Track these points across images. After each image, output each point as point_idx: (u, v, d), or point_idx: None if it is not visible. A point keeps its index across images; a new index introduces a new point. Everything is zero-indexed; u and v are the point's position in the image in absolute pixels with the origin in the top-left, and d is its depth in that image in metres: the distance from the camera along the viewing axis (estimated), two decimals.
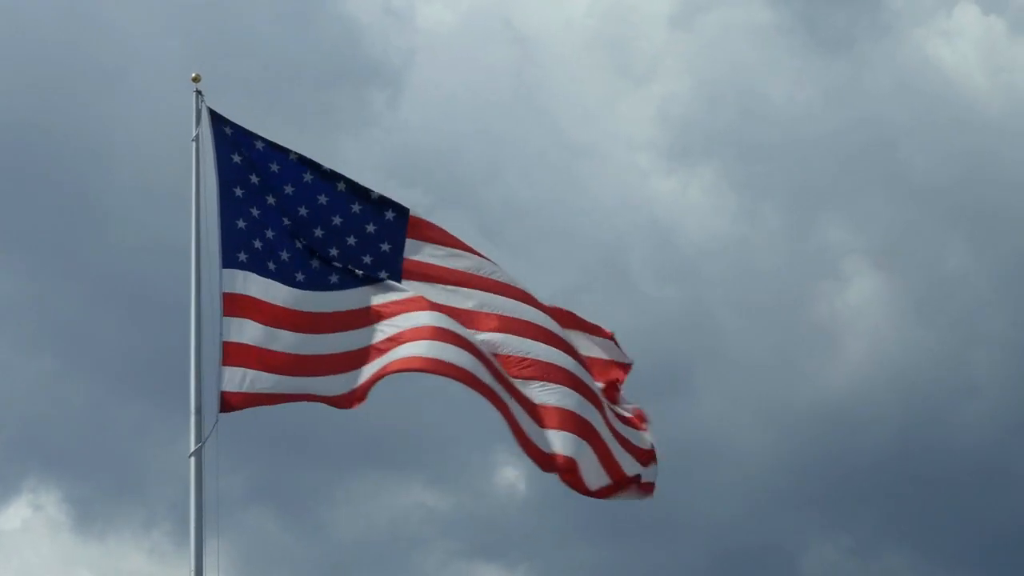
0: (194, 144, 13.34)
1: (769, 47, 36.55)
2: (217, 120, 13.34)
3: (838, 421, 32.36)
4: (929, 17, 36.85)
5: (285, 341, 13.15)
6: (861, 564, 31.61)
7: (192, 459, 12.70)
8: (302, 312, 13.28)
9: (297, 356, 13.14)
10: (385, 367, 13.07)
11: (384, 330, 13.28)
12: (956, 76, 35.92)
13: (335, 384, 13.12)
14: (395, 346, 13.16)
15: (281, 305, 13.21)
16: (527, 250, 31.35)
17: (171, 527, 28.49)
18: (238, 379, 12.91)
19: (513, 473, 29.43)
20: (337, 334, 13.31)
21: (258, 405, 13.01)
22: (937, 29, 36.62)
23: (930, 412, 32.69)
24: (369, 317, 13.35)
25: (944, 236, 34.52)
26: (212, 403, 12.84)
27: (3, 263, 30.58)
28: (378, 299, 13.42)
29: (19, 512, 31.57)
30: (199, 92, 13.43)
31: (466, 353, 13.05)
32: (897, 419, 32.43)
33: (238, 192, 13.25)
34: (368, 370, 13.11)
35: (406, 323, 13.26)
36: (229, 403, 12.85)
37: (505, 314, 13.59)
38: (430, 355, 12.97)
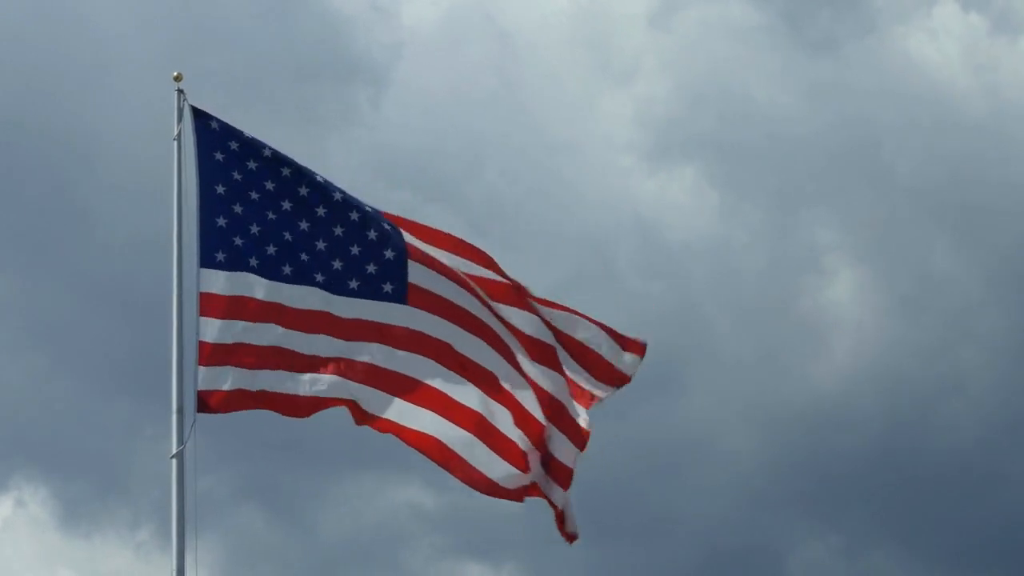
0: (175, 143, 13.27)
1: (751, 46, 36.54)
2: (200, 116, 13.25)
3: (825, 420, 32.41)
4: (910, 16, 36.88)
5: (265, 335, 13.08)
6: (849, 563, 31.65)
7: (174, 460, 12.63)
8: (286, 307, 13.19)
9: (277, 349, 13.08)
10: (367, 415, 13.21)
11: (375, 354, 13.28)
12: (940, 75, 35.98)
13: (311, 384, 13.10)
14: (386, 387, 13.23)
15: (263, 299, 13.13)
16: (513, 247, 31.32)
17: (157, 527, 28.45)
18: (216, 378, 12.84)
19: None
20: (325, 336, 13.25)
21: (237, 408, 12.95)
22: (919, 27, 36.65)
23: (917, 411, 32.75)
24: (364, 332, 13.30)
25: (929, 235, 34.58)
26: (194, 403, 12.77)
27: None
28: (375, 316, 13.34)
29: (1, 510, 31.54)
30: (181, 91, 13.35)
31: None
32: (884, 418, 32.48)
33: (219, 190, 13.16)
34: (345, 388, 13.15)
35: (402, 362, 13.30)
36: (207, 403, 12.79)
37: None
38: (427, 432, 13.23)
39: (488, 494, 13.44)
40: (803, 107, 35.62)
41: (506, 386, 13.50)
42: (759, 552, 31.24)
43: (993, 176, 34.49)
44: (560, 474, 13.55)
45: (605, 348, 13.80)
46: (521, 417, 13.46)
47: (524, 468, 13.41)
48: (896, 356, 33.45)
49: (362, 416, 13.24)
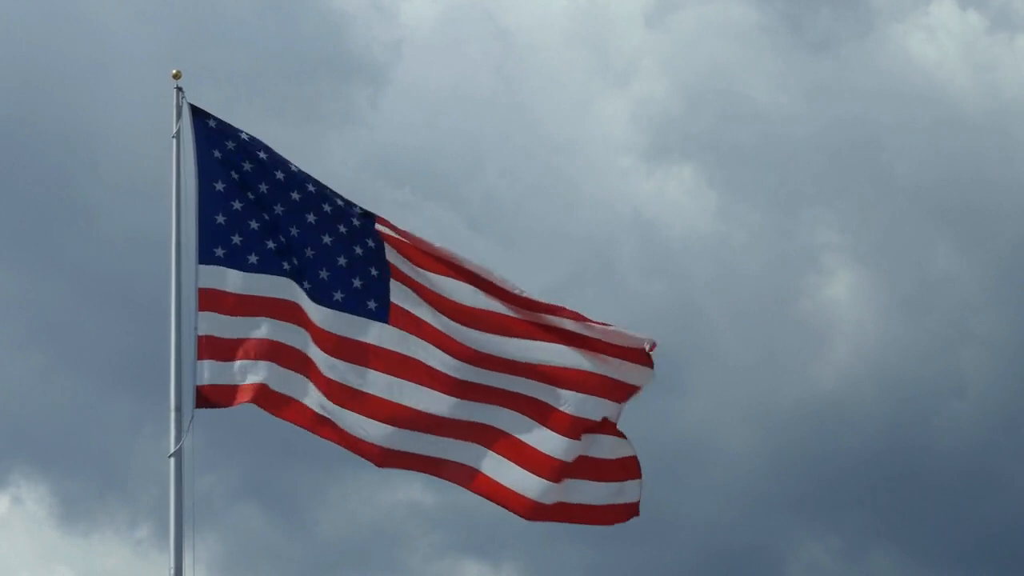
0: (174, 140, 13.27)
1: (751, 46, 36.51)
2: (199, 114, 13.25)
3: (825, 421, 32.38)
4: (907, 14, 36.86)
5: (264, 329, 13.09)
6: (848, 565, 31.63)
7: (172, 459, 12.63)
8: (284, 301, 13.19)
9: (275, 343, 13.08)
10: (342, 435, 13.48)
11: (354, 374, 13.31)
12: (939, 74, 35.95)
13: (305, 388, 13.16)
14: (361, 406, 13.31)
15: (262, 295, 13.13)
16: (513, 246, 31.32)
17: (156, 525, 28.43)
18: (214, 373, 12.86)
19: None
20: (315, 345, 13.25)
21: (235, 402, 12.95)
22: (917, 25, 36.63)
23: (917, 411, 32.73)
24: (344, 348, 13.28)
25: (930, 235, 34.56)
26: (192, 401, 12.79)
27: None
28: (355, 333, 13.31)
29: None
30: (180, 88, 13.36)
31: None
32: (883, 419, 32.46)
33: (218, 187, 13.17)
34: (329, 408, 13.27)
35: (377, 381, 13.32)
36: (205, 398, 12.81)
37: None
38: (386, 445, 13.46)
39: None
40: (803, 107, 35.63)
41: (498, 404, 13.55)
42: (759, 553, 31.24)
43: (994, 176, 34.51)
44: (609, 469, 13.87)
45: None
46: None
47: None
48: (896, 356, 33.46)
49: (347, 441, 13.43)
